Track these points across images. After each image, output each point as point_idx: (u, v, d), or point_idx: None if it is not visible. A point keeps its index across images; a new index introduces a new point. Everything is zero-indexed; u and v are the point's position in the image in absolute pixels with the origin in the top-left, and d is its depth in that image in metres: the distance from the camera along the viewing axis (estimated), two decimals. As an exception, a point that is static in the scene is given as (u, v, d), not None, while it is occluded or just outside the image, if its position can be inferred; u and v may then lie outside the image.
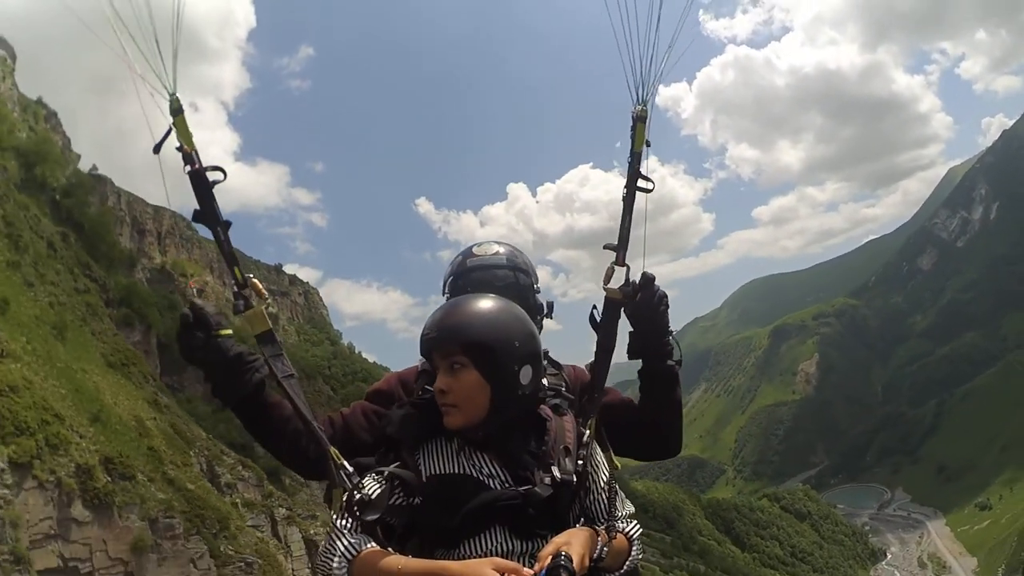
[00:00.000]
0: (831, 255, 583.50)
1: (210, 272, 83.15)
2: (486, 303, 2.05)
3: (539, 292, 2.66)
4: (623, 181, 2.55)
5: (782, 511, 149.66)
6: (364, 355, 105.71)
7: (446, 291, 2.58)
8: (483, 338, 1.97)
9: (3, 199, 37.53)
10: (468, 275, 2.56)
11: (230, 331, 2.25)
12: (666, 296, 2.49)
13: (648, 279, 2.42)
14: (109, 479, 23.91)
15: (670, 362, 2.52)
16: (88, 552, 21.26)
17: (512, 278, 2.56)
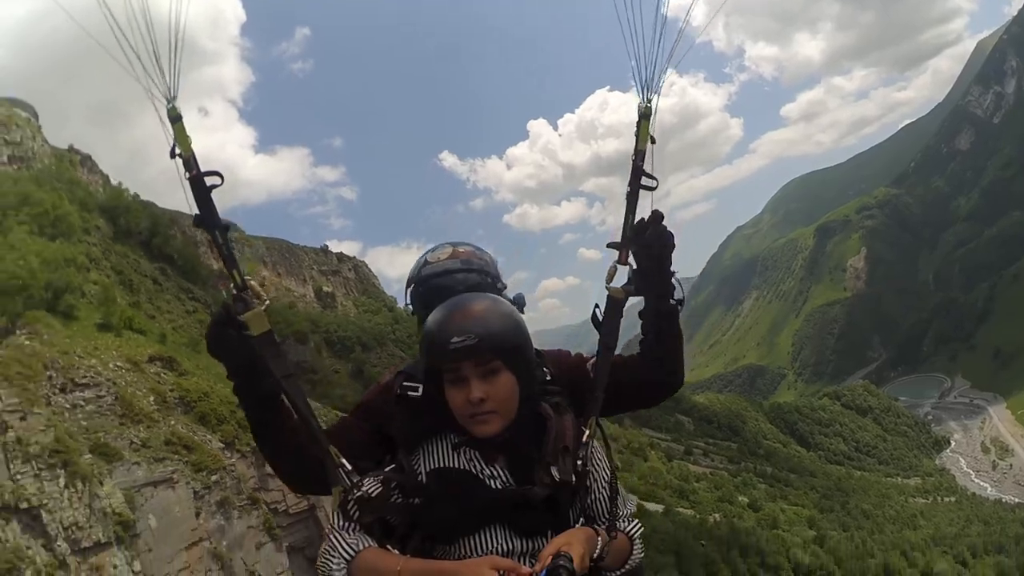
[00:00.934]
0: (867, 145, 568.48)
1: (264, 266, 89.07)
2: (493, 303, 2.10)
3: (503, 288, 2.66)
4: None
5: (843, 408, 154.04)
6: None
7: (408, 301, 2.61)
8: (516, 340, 2.04)
9: (108, 253, 43.78)
10: (427, 283, 2.55)
11: (261, 331, 2.31)
12: (672, 236, 2.50)
13: (657, 215, 2.44)
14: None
15: (673, 300, 2.54)
16: (281, 495, 27.90)
17: (472, 280, 2.53)
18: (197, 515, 23.72)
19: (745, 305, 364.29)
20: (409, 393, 2.22)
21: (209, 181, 2.34)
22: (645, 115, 2.55)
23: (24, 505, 19.62)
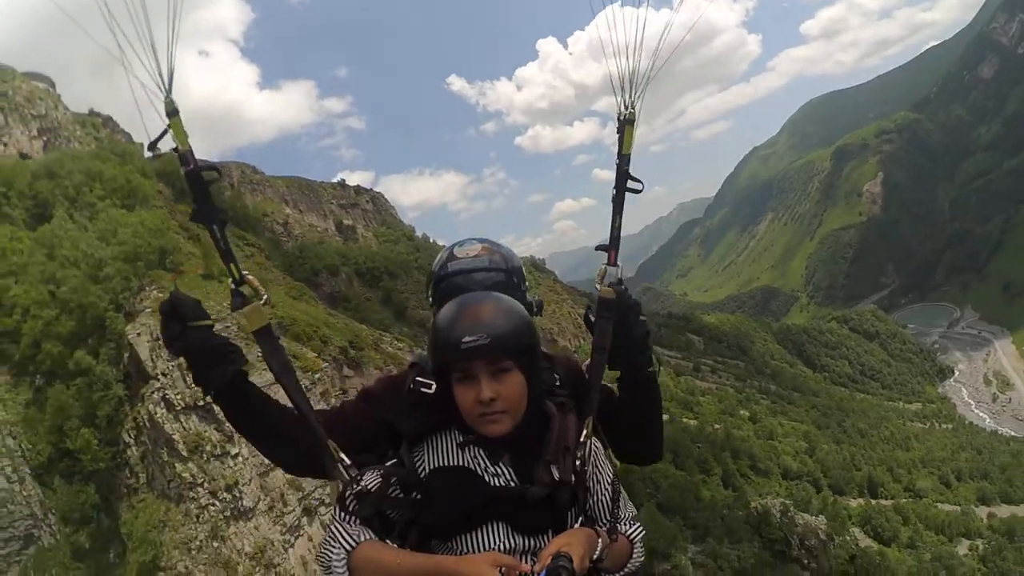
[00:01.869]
0: (890, 66, 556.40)
1: (286, 204, 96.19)
2: (504, 303, 2.11)
3: (526, 291, 2.67)
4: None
5: (851, 332, 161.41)
6: (437, 242, 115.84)
7: (429, 294, 2.60)
8: (527, 341, 2.07)
9: (173, 213, 52.59)
10: (450, 279, 2.56)
11: (208, 321, 2.29)
12: (639, 304, 2.54)
13: (620, 290, 2.47)
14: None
15: (650, 369, 2.54)
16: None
17: (494, 279, 2.55)
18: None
19: (760, 227, 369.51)
20: (422, 390, 2.23)
21: (206, 176, 2.37)
22: (629, 120, 2.60)
23: (199, 403, 29.73)
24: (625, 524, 2.30)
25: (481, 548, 2.03)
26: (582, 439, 2.24)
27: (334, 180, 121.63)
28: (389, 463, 2.15)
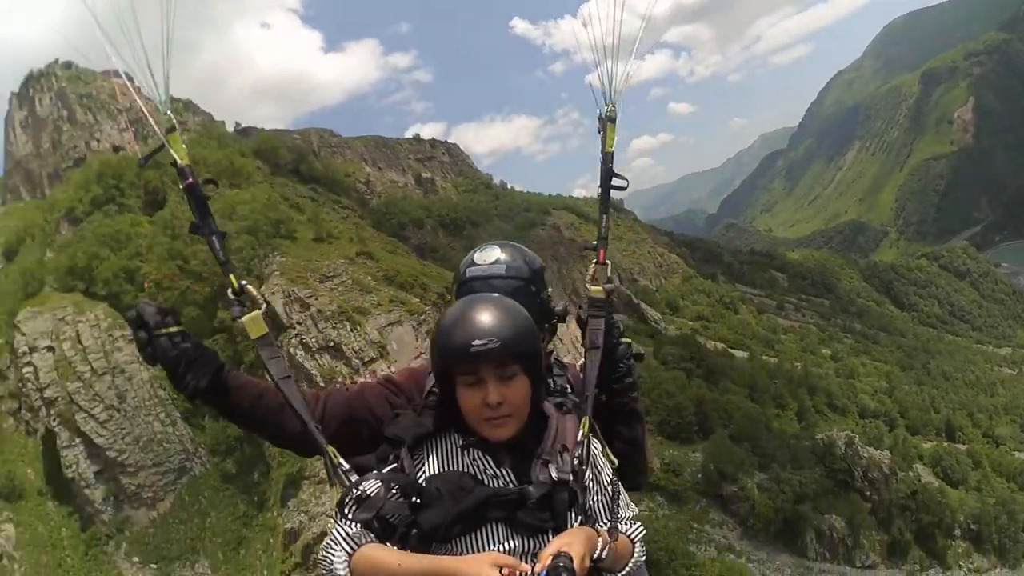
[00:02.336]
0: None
1: (365, 163, 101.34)
2: (511, 307, 2.17)
3: (547, 298, 2.77)
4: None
5: (941, 270, 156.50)
6: (515, 188, 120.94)
7: (452, 299, 2.59)
8: (534, 345, 2.14)
9: (273, 185, 58.13)
10: (469, 284, 2.65)
11: (174, 328, 2.36)
12: (619, 325, 2.72)
13: (610, 290, 2.70)
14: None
15: (628, 397, 2.73)
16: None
17: (512, 286, 2.61)
18: (416, 339, 38.62)
19: (847, 157, 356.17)
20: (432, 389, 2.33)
21: (205, 190, 2.52)
22: (611, 118, 2.74)
23: (331, 344, 35.64)
24: (626, 523, 2.36)
25: (481, 550, 2.04)
26: (579, 438, 2.29)
27: (407, 134, 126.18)
28: (388, 468, 2.18)
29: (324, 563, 2.06)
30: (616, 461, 2.45)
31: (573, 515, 2.17)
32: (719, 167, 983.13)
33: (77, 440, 37.16)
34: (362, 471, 2.27)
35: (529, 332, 2.13)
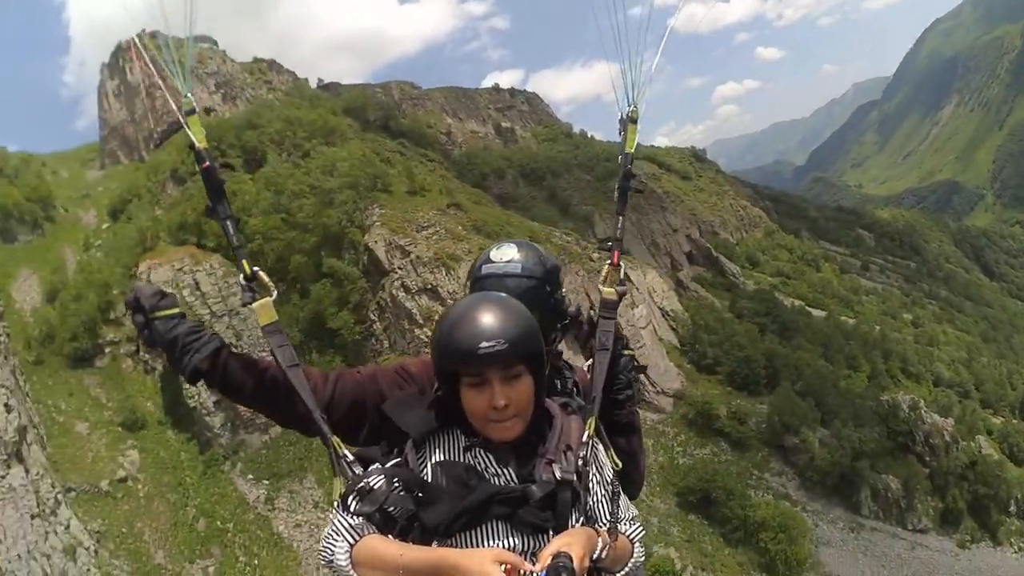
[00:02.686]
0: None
1: (445, 114, 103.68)
2: (515, 307, 2.18)
3: (561, 298, 2.81)
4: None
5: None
6: (595, 136, 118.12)
7: (467, 293, 2.64)
8: (538, 346, 2.15)
9: (364, 141, 62.55)
10: (482, 282, 2.71)
11: (172, 311, 2.42)
12: (623, 337, 2.79)
13: (622, 291, 2.82)
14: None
15: (630, 408, 2.83)
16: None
17: (525, 285, 2.66)
18: None
19: (944, 112, 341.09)
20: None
21: (221, 174, 2.58)
22: (633, 119, 2.81)
23: (428, 287, 40.48)
24: (626, 524, 2.40)
25: (482, 546, 2.06)
26: (584, 439, 2.33)
27: (485, 83, 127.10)
28: (392, 462, 2.22)
29: (325, 553, 2.11)
30: (620, 464, 2.51)
31: (575, 515, 2.19)
32: (808, 117, 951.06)
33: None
34: (366, 462, 2.32)
35: (535, 333, 2.15)
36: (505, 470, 2.19)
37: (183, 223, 50.84)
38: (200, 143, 2.57)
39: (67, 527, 30.86)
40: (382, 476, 2.15)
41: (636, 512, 2.54)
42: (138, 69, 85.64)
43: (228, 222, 2.65)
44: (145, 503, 38.36)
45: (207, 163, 2.57)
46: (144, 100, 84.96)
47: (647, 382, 50.31)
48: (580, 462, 2.26)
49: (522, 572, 1.85)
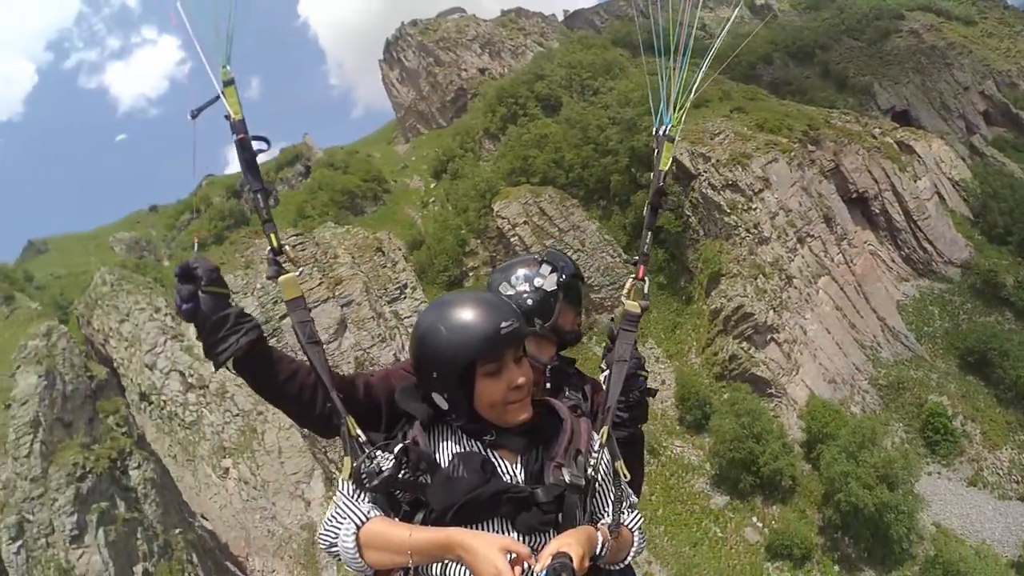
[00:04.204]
0: None
1: (695, 9, 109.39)
2: (496, 296, 2.53)
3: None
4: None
5: None
6: None
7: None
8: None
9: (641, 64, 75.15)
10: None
11: (224, 291, 2.53)
12: (641, 357, 3.01)
13: (646, 307, 3.05)
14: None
15: (625, 430, 2.99)
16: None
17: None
18: (790, 171, 54.90)
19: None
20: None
21: (256, 146, 2.68)
22: (670, 139, 2.97)
23: (729, 183, 53.05)
24: (626, 512, 2.58)
25: None
26: (596, 448, 2.50)
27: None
28: (400, 445, 2.30)
29: (327, 537, 2.28)
30: (628, 475, 2.69)
31: (580, 517, 2.34)
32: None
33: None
34: (374, 444, 2.45)
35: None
36: (514, 469, 2.36)
37: (512, 168, 67.50)
38: (236, 115, 2.71)
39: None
40: (392, 458, 2.28)
41: (635, 500, 2.77)
42: (412, 56, 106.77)
43: (259, 194, 2.76)
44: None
45: (242, 135, 2.70)
46: (425, 80, 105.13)
47: (933, 251, 57.46)
48: (590, 471, 2.43)
49: (526, 565, 2.01)
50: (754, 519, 43.96)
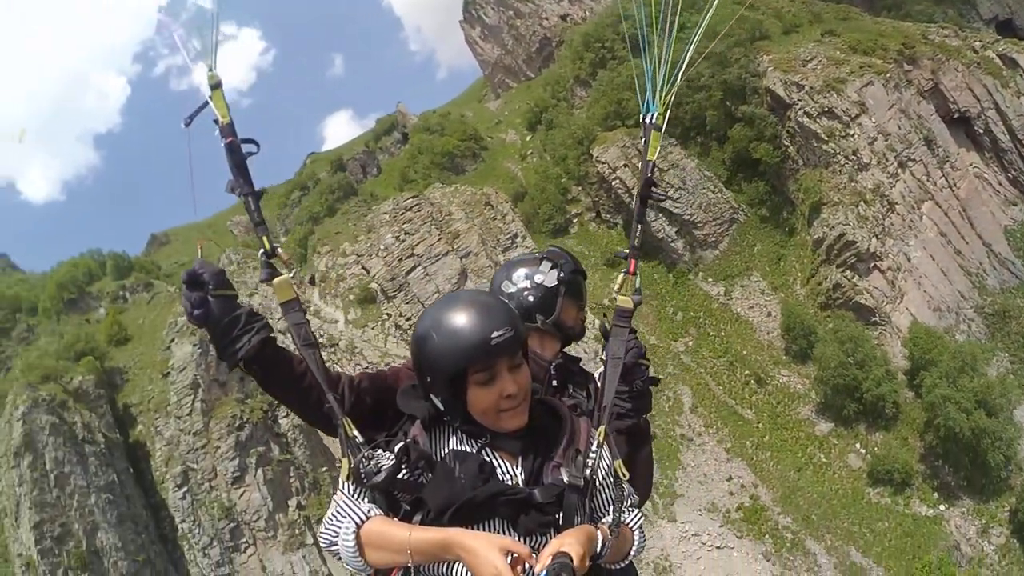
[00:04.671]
0: None
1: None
2: (494, 299, 2.45)
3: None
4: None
5: None
6: None
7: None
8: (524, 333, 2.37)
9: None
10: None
11: (231, 292, 2.59)
12: (641, 346, 3.00)
13: (638, 301, 3.03)
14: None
15: (629, 421, 3.01)
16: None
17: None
18: (887, 94, 55.07)
19: None
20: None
21: (245, 149, 2.72)
22: (657, 127, 3.03)
23: (825, 110, 54.45)
24: (626, 512, 2.58)
25: None
26: (594, 447, 2.51)
27: None
28: (400, 444, 2.34)
29: (327, 535, 2.31)
30: (627, 475, 2.67)
31: (580, 517, 2.37)
32: None
33: (660, 215, 59.60)
34: (372, 445, 2.45)
35: (520, 319, 2.42)
36: (514, 470, 2.39)
37: (607, 113, 68.67)
38: (223, 119, 2.74)
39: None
40: (391, 457, 2.31)
41: (637, 498, 2.77)
42: (491, 12, 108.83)
43: (249, 198, 2.80)
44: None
45: (230, 138, 2.73)
46: (508, 34, 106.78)
47: None
48: (588, 471, 2.45)
49: (526, 565, 2.03)
50: (857, 445, 45.63)
